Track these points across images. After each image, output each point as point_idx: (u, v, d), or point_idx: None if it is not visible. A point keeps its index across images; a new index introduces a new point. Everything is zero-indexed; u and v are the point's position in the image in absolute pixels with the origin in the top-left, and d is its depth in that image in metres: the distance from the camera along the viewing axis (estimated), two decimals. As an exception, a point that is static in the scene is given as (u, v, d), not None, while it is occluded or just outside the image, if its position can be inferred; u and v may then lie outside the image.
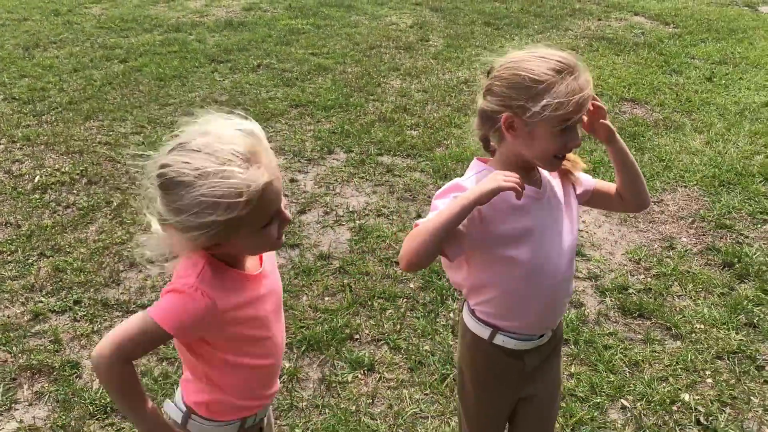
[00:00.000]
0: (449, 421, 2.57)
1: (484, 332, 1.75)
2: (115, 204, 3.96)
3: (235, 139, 1.37)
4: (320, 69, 6.25)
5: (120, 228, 3.73)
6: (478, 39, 7.30)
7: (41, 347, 2.88)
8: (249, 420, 1.68)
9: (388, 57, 6.66)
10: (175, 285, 1.47)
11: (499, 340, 1.74)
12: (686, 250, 3.70)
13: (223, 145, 1.35)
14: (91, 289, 3.24)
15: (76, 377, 2.74)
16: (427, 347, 2.94)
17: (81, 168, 4.31)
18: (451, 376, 2.76)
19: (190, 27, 7.43)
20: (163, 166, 1.37)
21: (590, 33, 7.69)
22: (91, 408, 2.58)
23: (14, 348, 2.86)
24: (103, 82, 5.71)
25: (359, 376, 2.79)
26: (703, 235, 3.85)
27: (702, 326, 3.11)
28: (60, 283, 3.27)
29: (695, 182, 4.39)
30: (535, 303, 1.71)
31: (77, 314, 3.08)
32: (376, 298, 3.23)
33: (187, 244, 1.43)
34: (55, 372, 2.75)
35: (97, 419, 2.55)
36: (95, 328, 3.00)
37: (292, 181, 4.28)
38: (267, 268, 1.61)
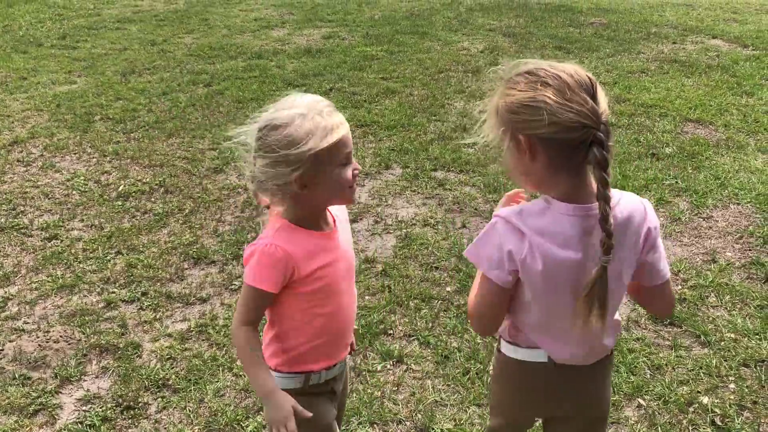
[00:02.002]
0: (466, 409, 2.73)
1: None
2: (187, 211, 4.35)
3: (316, 98, 1.73)
4: (388, 92, 6.55)
5: (189, 231, 4.10)
6: (547, 63, 7.42)
7: (110, 330, 3.24)
8: (313, 377, 1.87)
9: (455, 80, 6.89)
10: (255, 245, 1.74)
11: None
12: (728, 264, 3.71)
13: (306, 101, 1.71)
14: (158, 283, 3.60)
15: (137, 356, 3.07)
16: (455, 344, 3.11)
17: (160, 179, 4.75)
18: (474, 370, 2.93)
19: (272, 54, 7.93)
20: (263, 121, 1.72)
21: (662, 56, 7.67)
22: (146, 382, 2.90)
23: (87, 329, 3.24)
24: (187, 104, 6.22)
25: (388, 366, 2.99)
26: (749, 250, 3.85)
27: (732, 335, 3.14)
28: (131, 277, 3.65)
29: (749, 200, 4.37)
30: None
31: (143, 304, 3.44)
32: (412, 298, 3.44)
33: (279, 190, 1.71)
34: (119, 351, 3.10)
35: (150, 392, 2.86)
36: (157, 317, 3.35)
37: (348, 193, 4.55)
38: (340, 236, 1.86)
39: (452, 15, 9.93)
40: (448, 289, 3.52)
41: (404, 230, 4.07)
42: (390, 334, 3.20)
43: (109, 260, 3.81)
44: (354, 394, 2.81)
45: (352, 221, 4.20)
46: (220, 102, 6.32)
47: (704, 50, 7.89)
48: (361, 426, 2.66)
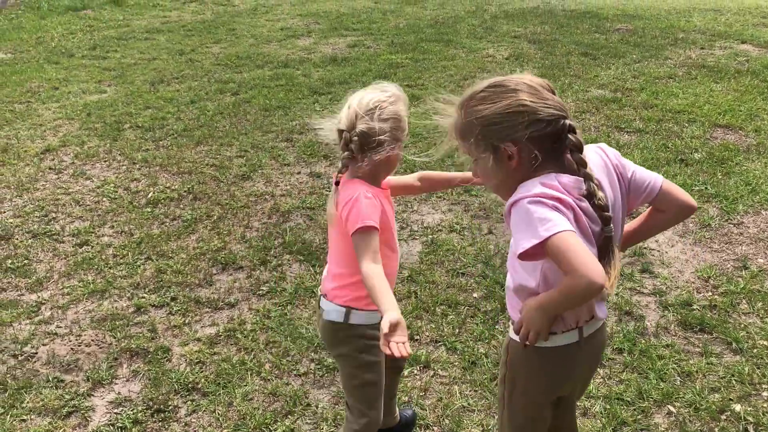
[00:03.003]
0: (494, 415, 2.72)
1: None
2: (215, 217, 4.40)
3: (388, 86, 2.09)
4: (412, 99, 6.55)
5: (217, 237, 4.14)
6: (573, 68, 7.40)
7: (140, 334, 3.28)
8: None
9: (480, 87, 6.88)
10: (346, 199, 1.98)
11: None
12: (760, 270, 3.66)
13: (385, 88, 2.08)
14: (187, 288, 3.65)
15: (167, 360, 3.11)
16: (482, 350, 3.10)
17: (188, 186, 4.81)
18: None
19: (298, 63, 8.00)
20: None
21: (690, 61, 7.60)
22: (176, 386, 2.94)
23: (118, 334, 3.28)
24: (215, 112, 6.29)
25: (415, 372, 2.99)
26: (782, 256, 3.79)
27: (765, 342, 3.09)
28: (161, 282, 3.70)
29: (782, 205, 4.31)
30: None
31: (173, 309, 3.48)
32: (439, 304, 3.44)
33: (378, 153, 2.00)
34: (149, 355, 3.14)
35: (180, 395, 2.90)
36: (186, 321, 3.39)
37: (374, 199, 4.58)
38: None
39: (477, 22, 9.94)
40: (475, 295, 3.52)
41: (430, 236, 4.08)
42: (417, 340, 3.20)
43: (139, 266, 3.86)
44: (381, 399, 2.81)
45: (379, 227, 4.22)
46: (247, 110, 6.38)
47: (733, 55, 7.80)
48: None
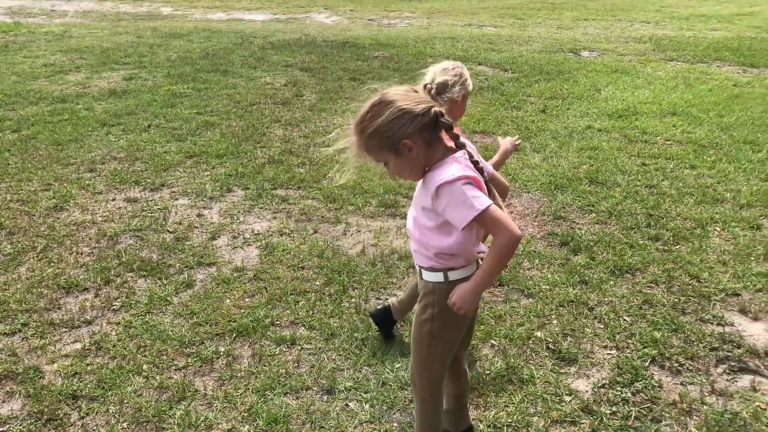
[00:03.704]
0: (361, 369, 3.24)
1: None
2: (40, 248, 4.38)
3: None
4: (207, 125, 6.89)
5: (49, 266, 4.16)
6: (347, 92, 8.21)
7: (1, 360, 3.29)
8: None
9: (269, 111, 7.40)
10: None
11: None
12: (532, 237, 4.62)
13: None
14: (35, 314, 3.67)
15: (39, 378, 3.17)
16: (336, 324, 3.60)
17: (-1, 221, 4.69)
18: (360, 338, 3.44)
19: (76, 97, 7.86)
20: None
21: (442, 81, 8.79)
22: (60, 396, 3.03)
23: (-24, 364, 3.26)
24: (1, 150, 6.05)
25: (284, 349, 3.41)
26: (545, 225, 4.79)
27: (547, 287, 3.98)
28: (6, 312, 3.67)
29: (536, 188, 5.39)
30: None
31: (27, 334, 3.50)
32: (289, 294, 3.87)
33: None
34: (19, 376, 3.17)
35: (66, 404, 3.00)
36: (46, 342, 3.44)
37: (199, 215, 4.87)
38: None
39: (247, 53, 10.44)
40: (318, 283, 4.00)
41: (264, 241, 4.49)
42: (277, 325, 3.61)
43: (-26, 300, 3.78)
44: (263, 374, 3.19)
45: (211, 238, 4.53)
46: (36, 146, 6.23)
47: (474, 75, 9.18)
48: (277, 396, 3.05)
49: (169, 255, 4.30)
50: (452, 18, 15.36)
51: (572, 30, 13.34)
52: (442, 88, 2.88)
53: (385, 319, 3.47)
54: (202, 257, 4.29)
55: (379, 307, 3.52)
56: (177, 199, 5.16)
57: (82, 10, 17.24)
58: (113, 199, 5.16)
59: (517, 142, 3.29)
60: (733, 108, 7.54)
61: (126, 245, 4.45)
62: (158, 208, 4.98)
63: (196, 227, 4.71)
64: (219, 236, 4.58)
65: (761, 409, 2.98)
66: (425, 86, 2.82)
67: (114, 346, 3.41)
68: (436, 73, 2.90)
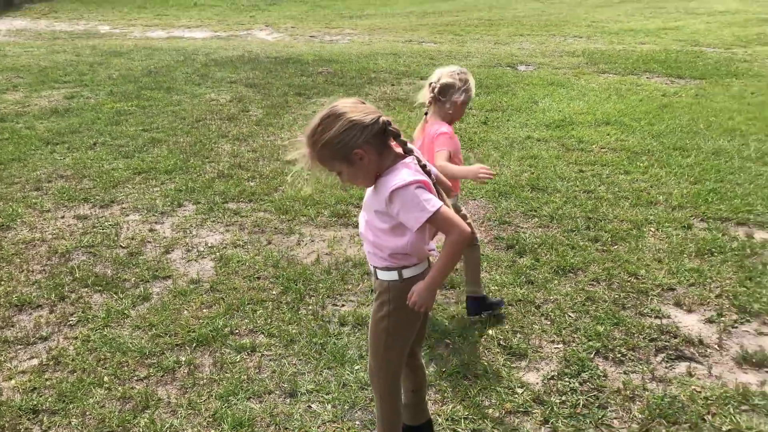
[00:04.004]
0: (322, 372, 3.33)
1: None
2: (-12, 267, 4.33)
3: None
4: (154, 141, 6.88)
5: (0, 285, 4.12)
6: (293, 107, 8.31)
7: (-43, 379, 3.26)
8: None
9: (215, 127, 7.44)
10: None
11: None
12: (480, 242, 4.79)
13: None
14: (-11, 332, 3.64)
15: (-2, 395, 3.17)
16: (294, 330, 3.69)
17: (-56, 242, 4.61)
18: (319, 343, 3.53)
19: (15, 116, 7.74)
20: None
21: (387, 95, 9.00)
22: (19, 411, 3.03)
23: (-69, 383, 3.22)
24: (-59, 170, 5.93)
25: (245, 356, 3.47)
26: (491, 230, 4.99)
27: (496, 287, 4.15)
28: (-43, 331, 3.64)
29: (481, 195, 5.59)
30: None
31: (-18, 352, 3.48)
32: (246, 304, 3.94)
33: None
34: (-23, 394, 3.16)
35: (27, 419, 3.01)
36: (3, 359, 3.43)
37: (151, 230, 4.88)
38: None
39: (190, 71, 10.43)
40: (274, 292, 4.08)
41: (218, 253, 4.54)
42: (236, 333, 3.67)
43: (-77, 321, 3.72)
44: (225, 381, 3.25)
45: (165, 252, 4.56)
46: (-23, 165, 6.12)
47: (417, 89, 9.37)
48: (240, 401, 3.12)
49: (123, 270, 4.31)
50: (393, 34, 15.64)
51: (509, 45, 13.76)
52: (445, 89, 3.12)
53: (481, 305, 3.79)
54: (157, 271, 4.31)
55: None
56: (128, 215, 5.16)
57: (15, 29, 16.86)
58: (62, 217, 5.13)
59: (484, 178, 3.26)
60: (662, 117, 7.95)
61: (79, 261, 4.43)
62: (109, 224, 4.97)
63: (149, 242, 4.72)
64: (173, 250, 4.61)
65: (697, 392, 3.20)
66: (429, 84, 3.08)
67: (73, 360, 3.42)
68: (442, 74, 3.13)
